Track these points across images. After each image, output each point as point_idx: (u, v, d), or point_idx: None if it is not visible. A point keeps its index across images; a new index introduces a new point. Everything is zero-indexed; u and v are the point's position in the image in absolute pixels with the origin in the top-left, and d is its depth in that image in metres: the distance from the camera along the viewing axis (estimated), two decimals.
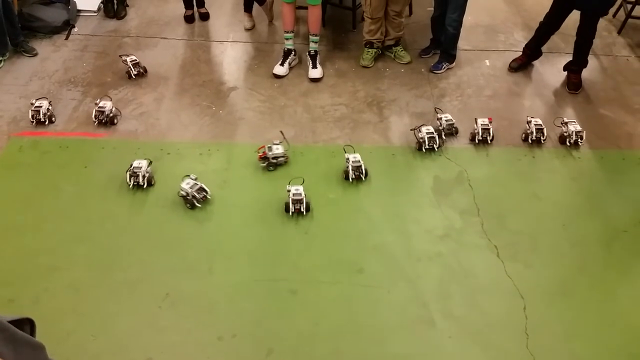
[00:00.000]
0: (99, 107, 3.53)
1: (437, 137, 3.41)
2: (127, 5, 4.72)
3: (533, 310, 2.64)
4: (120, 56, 4.03)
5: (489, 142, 3.51)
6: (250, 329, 2.54)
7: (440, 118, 3.57)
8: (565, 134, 3.53)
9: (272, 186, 3.22)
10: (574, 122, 3.56)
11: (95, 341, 2.46)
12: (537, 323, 2.59)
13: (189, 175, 3.08)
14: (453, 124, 3.55)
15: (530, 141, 3.53)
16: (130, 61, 3.93)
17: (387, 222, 3.03)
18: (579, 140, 3.50)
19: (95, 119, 3.54)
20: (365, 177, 3.24)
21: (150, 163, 3.19)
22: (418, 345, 2.51)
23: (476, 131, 3.50)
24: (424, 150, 3.41)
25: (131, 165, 3.13)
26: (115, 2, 4.63)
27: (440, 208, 3.12)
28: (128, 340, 2.48)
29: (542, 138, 3.52)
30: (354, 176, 3.22)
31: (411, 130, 3.51)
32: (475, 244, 2.93)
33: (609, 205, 3.18)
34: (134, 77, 3.92)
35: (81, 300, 2.62)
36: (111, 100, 3.64)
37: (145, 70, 4.00)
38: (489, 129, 3.50)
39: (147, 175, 3.12)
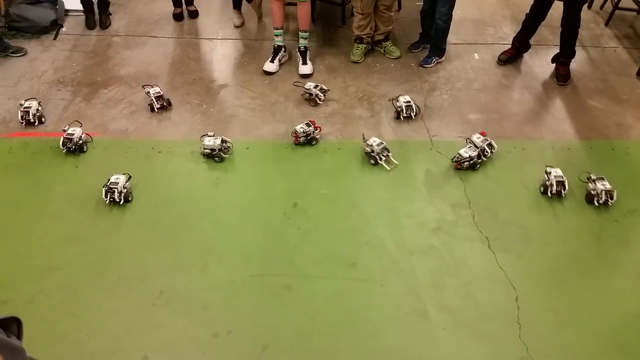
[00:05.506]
0: (24, 108, 3.50)
1: (414, 105, 3.61)
2: (110, 14, 4.56)
3: (525, 300, 2.67)
4: (143, 87, 3.75)
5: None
6: (245, 325, 2.55)
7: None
8: None
9: (265, 183, 3.23)
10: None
11: (90, 341, 2.46)
12: (530, 313, 2.62)
13: (206, 134, 3.34)
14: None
15: (550, 194, 3.15)
16: (154, 93, 3.64)
17: (379, 216, 3.05)
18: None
19: (22, 119, 3.50)
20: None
21: (129, 178, 3.09)
22: (412, 337, 2.53)
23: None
24: (401, 118, 3.61)
25: (108, 180, 3.02)
26: (96, 12, 4.48)
27: (432, 201, 3.14)
28: (123, 338, 2.48)
29: (563, 192, 3.13)
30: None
31: (389, 100, 3.71)
32: (467, 236, 2.96)
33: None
34: (156, 110, 3.65)
35: (75, 300, 2.62)
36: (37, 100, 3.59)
37: (170, 104, 3.69)
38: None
39: (124, 191, 3.01)
